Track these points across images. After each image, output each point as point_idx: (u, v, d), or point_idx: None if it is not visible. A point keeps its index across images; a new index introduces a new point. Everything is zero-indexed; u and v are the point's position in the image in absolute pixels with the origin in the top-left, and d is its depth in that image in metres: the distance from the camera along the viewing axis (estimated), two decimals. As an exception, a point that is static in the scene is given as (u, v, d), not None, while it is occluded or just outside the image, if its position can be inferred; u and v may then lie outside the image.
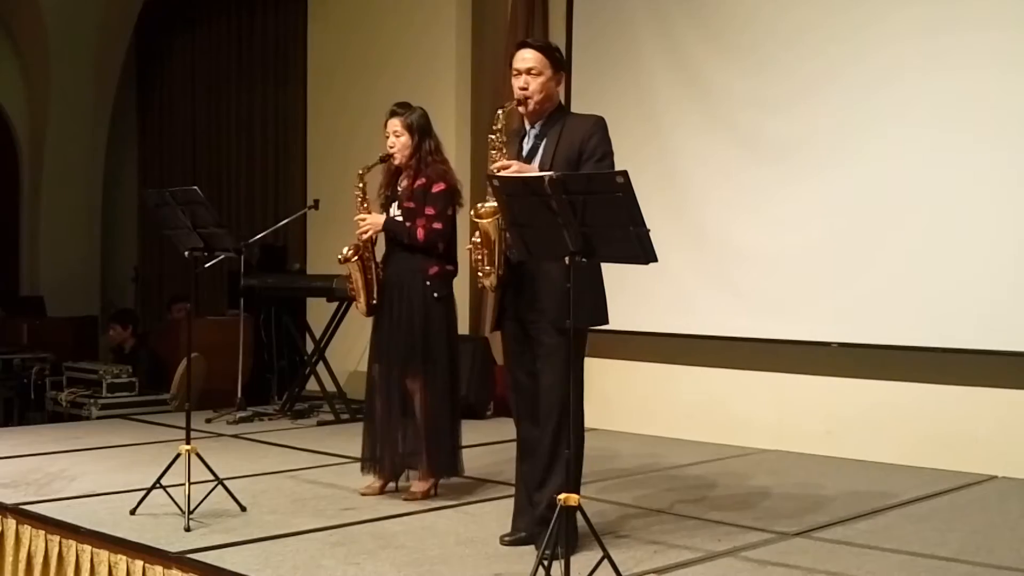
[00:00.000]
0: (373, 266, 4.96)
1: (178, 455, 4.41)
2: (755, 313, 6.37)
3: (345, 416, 7.34)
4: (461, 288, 5.05)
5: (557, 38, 7.11)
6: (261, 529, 4.21)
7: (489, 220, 3.85)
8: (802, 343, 6.23)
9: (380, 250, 5.02)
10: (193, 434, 4.55)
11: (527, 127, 4.10)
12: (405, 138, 4.86)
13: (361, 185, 4.95)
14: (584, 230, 3.23)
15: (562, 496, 3.30)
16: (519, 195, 3.35)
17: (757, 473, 5.59)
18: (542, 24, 7.61)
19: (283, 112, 10.38)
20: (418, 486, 4.81)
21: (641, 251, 3.21)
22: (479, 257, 3.92)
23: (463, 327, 6.52)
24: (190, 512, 4.21)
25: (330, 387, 7.56)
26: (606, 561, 3.33)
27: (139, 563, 3.92)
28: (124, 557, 3.98)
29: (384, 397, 4.87)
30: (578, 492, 3.40)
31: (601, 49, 7.17)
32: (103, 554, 4.07)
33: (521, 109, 4.04)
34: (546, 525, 3.42)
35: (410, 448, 4.85)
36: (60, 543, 4.26)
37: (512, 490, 4.24)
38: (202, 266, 4.98)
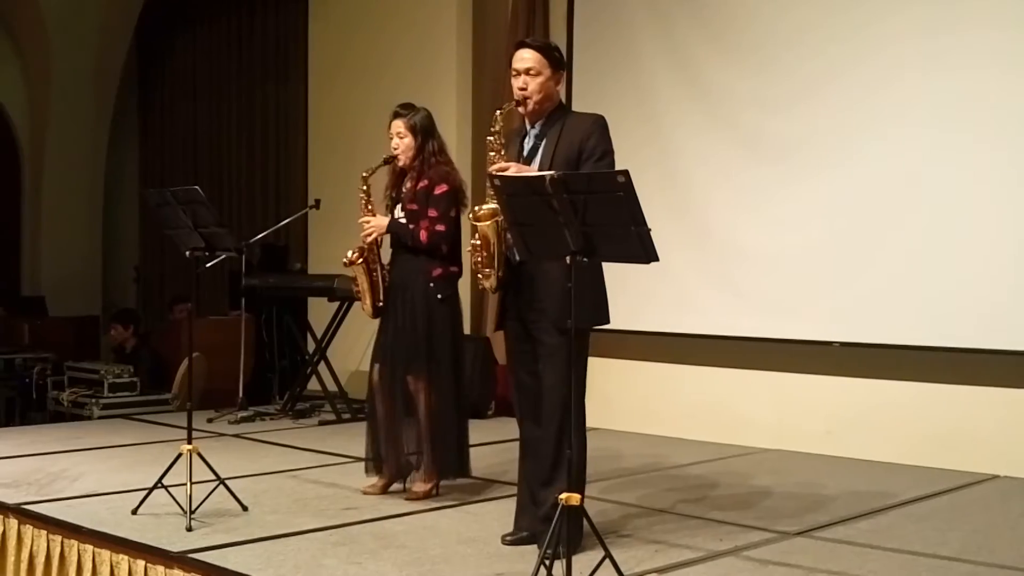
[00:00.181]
0: (379, 268, 4.97)
1: (179, 455, 4.41)
2: (756, 313, 6.37)
3: (346, 416, 7.35)
4: (463, 288, 5.05)
5: (558, 39, 7.08)
6: (263, 529, 4.21)
7: (487, 223, 3.86)
8: (803, 343, 6.23)
9: (387, 252, 5.03)
10: (195, 434, 4.56)
11: (527, 127, 4.10)
12: (408, 139, 4.86)
13: (365, 188, 4.96)
14: (585, 229, 3.24)
15: (564, 496, 3.30)
16: (520, 195, 3.36)
17: (758, 472, 5.59)
18: (543, 24, 7.61)
19: (284, 111, 10.38)
20: (419, 486, 4.81)
21: (642, 250, 3.21)
22: (479, 259, 3.93)
23: (465, 327, 6.52)
24: (192, 512, 4.22)
25: (331, 387, 7.56)
26: (608, 560, 3.34)
27: (141, 563, 3.92)
28: (126, 557, 3.98)
29: (387, 398, 4.87)
30: (581, 492, 3.40)
31: (602, 50, 7.17)
32: (105, 554, 4.07)
33: (520, 109, 4.04)
34: (549, 524, 3.42)
35: (413, 448, 4.85)
36: (62, 543, 4.26)
37: (514, 489, 4.24)
38: (203, 266, 4.99)
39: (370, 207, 4.97)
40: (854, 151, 6.04)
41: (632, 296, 5.98)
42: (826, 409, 6.20)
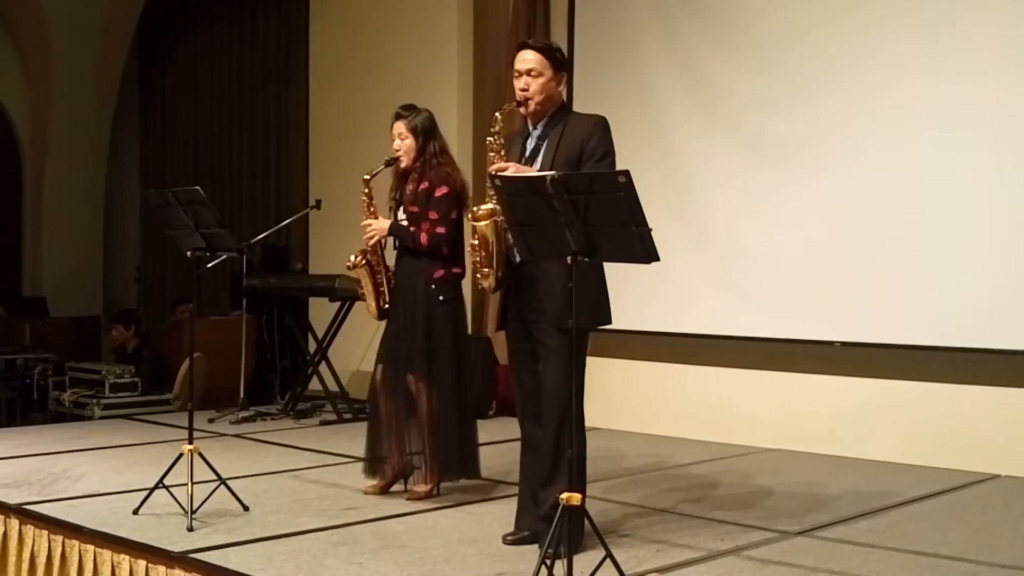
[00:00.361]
0: (383, 271, 4.98)
1: (181, 455, 4.41)
2: (758, 313, 6.37)
3: (348, 416, 7.35)
4: (465, 289, 5.06)
5: (559, 40, 7.08)
6: (264, 529, 4.21)
7: (486, 223, 3.86)
8: (805, 342, 6.23)
9: (391, 254, 5.04)
10: (196, 434, 4.56)
11: (529, 128, 4.11)
12: (410, 141, 4.86)
13: (367, 190, 4.96)
14: (586, 229, 3.24)
15: (565, 495, 3.30)
16: (521, 195, 3.36)
17: (760, 472, 5.59)
18: (543, 25, 7.61)
19: (285, 112, 10.39)
20: (420, 486, 4.81)
21: (643, 250, 3.21)
22: (477, 259, 3.94)
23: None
24: (193, 512, 4.22)
25: (332, 387, 7.57)
26: (609, 560, 3.34)
27: (142, 563, 3.93)
28: (127, 557, 3.99)
29: (390, 398, 4.87)
30: (582, 492, 3.40)
31: (603, 51, 7.17)
32: (106, 554, 4.07)
33: (522, 110, 4.05)
34: (550, 524, 3.43)
35: (415, 449, 4.85)
36: (63, 543, 4.26)
37: (515, 489, 4.24)
38: (204, 266, 4.99)
39: (372, 209, 4.98)
40: (855, 151, 6.04)
41: (633, 296, 5.99)
42: (827, 409, 6.20)
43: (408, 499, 4.77)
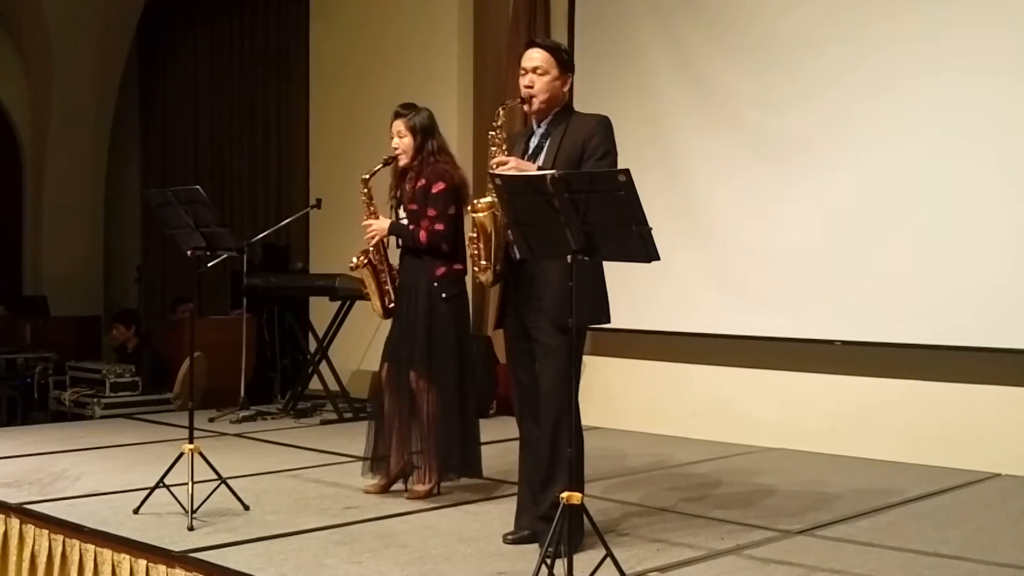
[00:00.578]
0: (386, 270, 4.99)
1: (181, 454, 4.42)
2: (759, 312, 6.37)
3: (348, 415, 7.35)
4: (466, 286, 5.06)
5: (559, 40, 7.09)
6: (264, 528, 4.21)
7: (485, 214, 3.86)
8: (806, 341, 6.23)
9: (395, 253, 5.04)
10: (196, 433, 4.56)
11: (533, 126, 4.12)
12: (408, 139, 4.87)
13: (366, 191, 4.96)
14: (586, 228, 3.24)
15: (565, 494, 3.30)
16: (521, 194, 3.36)
17: (761, 471, 5.59)
18: (543, 25, 7.61)
19: (285, 111, 10.39)
20: (420, 485, 4.81)
21: (643, 249, 3.21)
22: (475, 251, 3.94)
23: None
24: (193, 511, 4.22)
25: (333, 386, 7.57)
26: (609, 559, 3.34)
27: (142, 562, 3.92)
28: (127, 556, 3.98)
29: (394, 396, 4.87)
30: (581, 491, 3.40)
31: (603, 51, 7.16)
32: (106, 553, 4.07)
33: (526, 107, 4.06)
34: (549, 523, 3.43)
35: (416, 447, 4.85)
36: (63, 542, 4.26)
37: (515, 488, 4.24)
38: (205, 265, 4.98)
39: (372, 209, 4.98)
40: (855, 151, 6.04)
41: (635, 296, 6.00)
42: (829, 408, 6.20)
43: (408, 498, 4.77)
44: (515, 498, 4.20)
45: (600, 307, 3.97)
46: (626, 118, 6.05)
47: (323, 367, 7.62)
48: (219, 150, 11.32)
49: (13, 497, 4.72)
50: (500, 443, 5.47)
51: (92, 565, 4.12)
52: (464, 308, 4.95)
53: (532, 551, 3.77)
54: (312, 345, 8.02)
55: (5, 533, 4.55)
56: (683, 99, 6.82)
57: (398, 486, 4.91)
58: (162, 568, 3.84)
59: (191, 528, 4.15)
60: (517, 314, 4.02)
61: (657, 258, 3.22)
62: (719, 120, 6.64)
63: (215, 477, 4.48)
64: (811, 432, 6.18)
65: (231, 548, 3.91)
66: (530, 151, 4.05)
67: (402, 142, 4.87)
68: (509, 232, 3.66)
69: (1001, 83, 5.52)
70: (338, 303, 7.64)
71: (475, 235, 3.93)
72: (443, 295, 4.77)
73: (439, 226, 4.75)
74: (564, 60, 4.06)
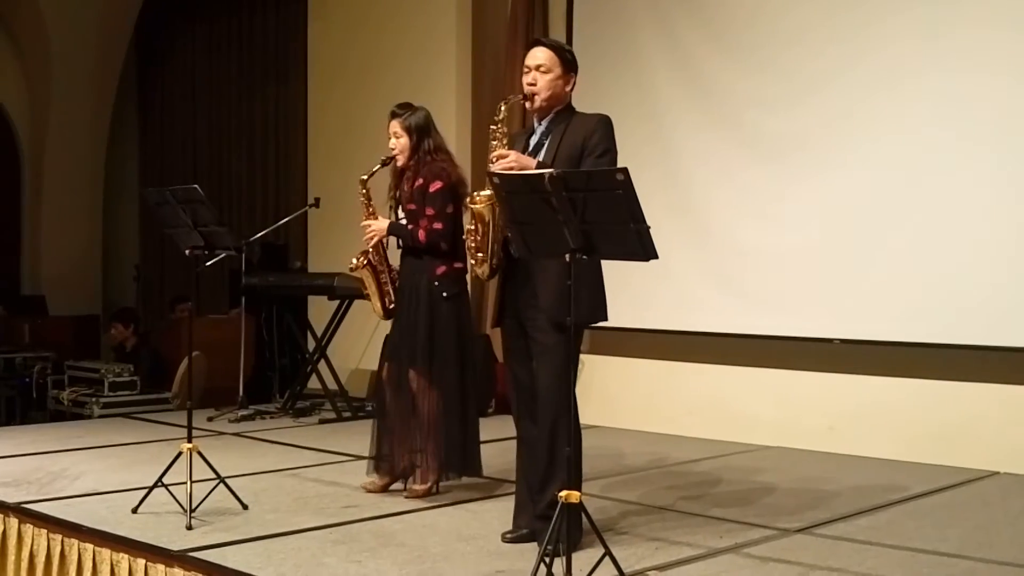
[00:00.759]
0: (386, 270, 4.99)
1: (179, 453, 4.41)
2: (757, 310, 6.38)
3: (347, 414, 7.35)
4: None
5: (557, 38, 7.10)
6: (262, 527, 4.21)
7: (484, 205, 3.87)
8: (804, 340, 6.24)
9: (395, 253, 5.03)
10: (195, 432, 4.56)
11: (535, 124, 4.13)
12: (405, 139, 4.87)
13: (365, 191, 4.96)
14: (584, 227, 3.24)
15: (563, 493, 3.30)
16: (519, 192, 3.36)
17: (759, 470, 5.59)
18: (542, 24, 7.61)
19: (284, 110, 10.39)
20: (419, 484, 4.81)
21: (641, 248, 3.22)
22: (472, 244, 3.95)
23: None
24: (192, 510, 4.22)
25: (332, 385, 7.57)
26: (608, 558, 3.34)
27: (141, 562, 3.92)
28: (126, 556, 3.98)
29: (394, 395, 4.87)
30: (579, 489, 3.40)
31: (602, 49, 7.16)
32: (105, 553, 4.07)
33: (528, 105, 4.08)
34: (546, 522, 3.43)
35: (417, 446, 4.85)
36: (62, 542, 4.26)
37: (513, 487, 4.24)
38: (203, 264, 4.98)
39: (371, 210, 4.98)
40: (854, 150, 6.04)
41: (633, 294, 6.00)
42: (827, 406, 6.20)
43: (407, 497, 4.77)
44: (514, 497, 4.19)
45: (598, 305, 3.97)
46: (624, 117, 6.02)
47: (322, 366, 7.62)
48: (217, 149, 11.31)
49: (12, 496, 4.71)
50: (498, 442, 5.47)
51: (91, 564, 4.12)
52: (465, 307, 4.94)
53: (531, 550, 3.77)
54: (311, 344, 8.02)
55: (3, 532, 4.55)
56: (681, 98, 6.82)
57: (397, 485, 4.91)
58: (161, 567, 3.84)
59: (190, 527, 4.15)
60: (515, 312, 4.02)
61: (655, 257, 3.22)
62: (718, 119, 6.64)
63: (214, 476, 4.48)
64: (810, 430, 6.19)
65: (230, 547, 3.91)
66: (530, 148, 4.06)
67: (399, 142, 4.88)
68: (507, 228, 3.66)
69: (1000, 82, 5.52)
70: (337, 302, 7.64)
71: (473, 227, 3.94)
72: (444, 294, 4.77)
73: (437, 225, 4.75)
74: (568, 60, 4.08)
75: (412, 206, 4.81)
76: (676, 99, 6.85)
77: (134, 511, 4.39)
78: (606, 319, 4.01)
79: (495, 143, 3.99)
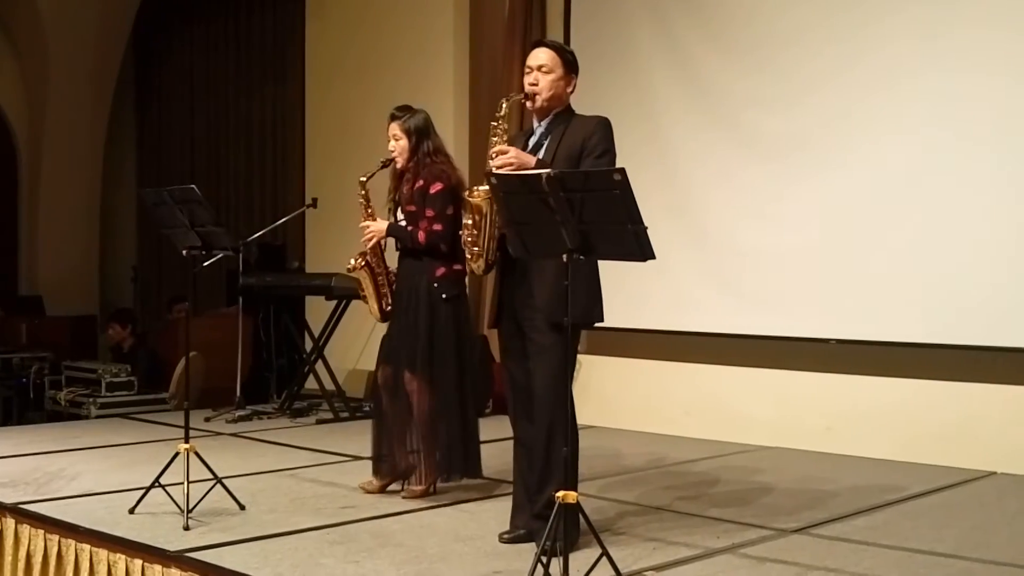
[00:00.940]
0: (384, 272, 4.98)
1: (177, 454, 4.41)
2: (755, 310, 6.38)
3: (344, 415, 7.35)
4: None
5: (555, 38, 7.11)
6: (260, 528, 4.21)
7: (481, 198, 3.87)
8: (801, 340, 6.24)
9: (392, 255, 5.03)
10: (192, 433, 4.55)
11: (534, 124, 4.14)
12: (404, 141, 4.87)
13: (364, 192, 4.96)
14: (582, 227, 3.24)
15: (560, 494, 3.30)
16: (517, 193, 3.36)
17: (757, 470, 5.60)
18: (540, 24, 7.61)
19: (281, 111, 10.38)
20: (417, 485, 4.81)
21: (638, 248, 3.22)
22: (469, 239, 3.95)
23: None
24: (189, 511, 4.21)
25: (329, 386, 7.57)
26: (605, 558, 3.34)
27: (138, 562, 3.92)
28: (123, 556, 3.98)
29: (392, 398, 4.87)
30: (576, 490, 3.40)
31: (599, 49, 7.15)
32: (102, 553, 4.07)
33: (529, 104, 4.09)
34: (544, 522, 3.43)
35: (414, 447, 4.85)
36: (59, 542, 4.26)
37: (511, 488, 4.24)
38: (200, 265, 4.98)
39: (369, 211, 4.98)
40: (852, 150, 6.05)
41: (631, 294, 6.00)
42: (824, 406, 6.20)
43: (404, 497, 4.77)
44: (511, 497, 4.19)
45: (594, 306, 3.97)
46: (622, 117, 6.01)
47: (319, 366, 7.62)
48: (215, 149, 11.31)
49: (9, 497, 4.71)
50: (496, 442, 5.46)
51: (88, 565, 4.11)
52: (464, 309, 4.95)
53: (528, 550, 3.77)
54: (308, 344, 8.02)
55: (1, 533, 4.55)
56: (679, 98, 6.83)
57: (395, 485, 4.91)
58: (158, 568, 3.84)
59: (187, 528, 4.15)
60: (512, 312, 4.02)
61: (653, 257, 3.22)
62: (715, 119, 6.64)
63: (211, 477, 4.48)
64: (807, 431, 6.19)
65: (227, 548, 3.91)
66: (529, 149, 4.07)
67: (398, 144, 4.88)
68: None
69: (999, 82, 5.52)
70: (334, 302, 7.64)
71: (470, 221, 3.95)
72: (443, 296, 4.77)
73: (437, 226, 4.75)
74: (569, 61, 4.10)
75: (412, 207, 4.81)
76: (674, 99, 6.85)
77: (131, 511, 4.39)
78: (602, 320, 4.02)
79: (495, 139, 3.99)
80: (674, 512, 4.59)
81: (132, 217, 12.33)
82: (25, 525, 4.44)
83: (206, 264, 5.18)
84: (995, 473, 5.46)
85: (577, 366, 4.07)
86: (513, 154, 3.87)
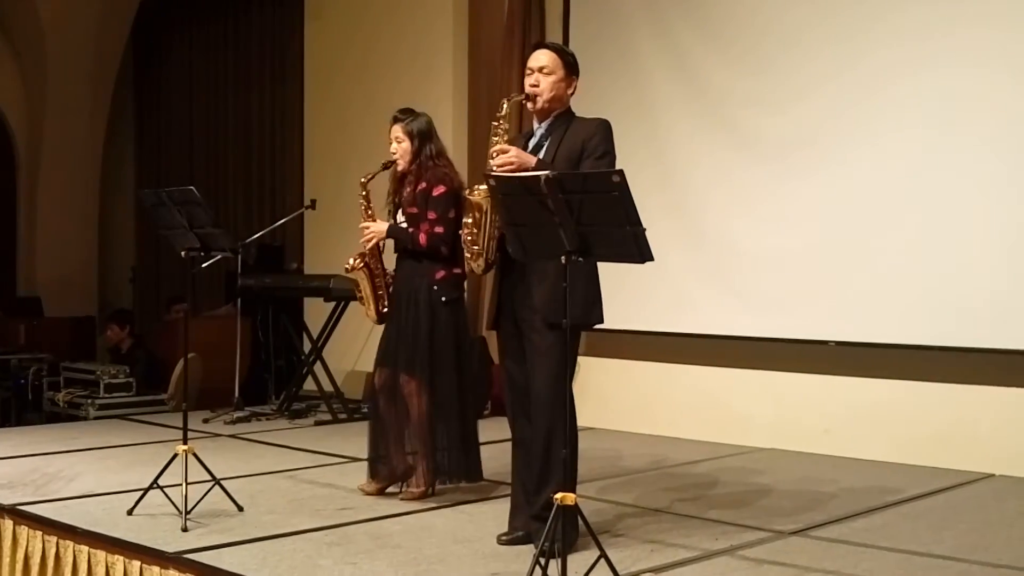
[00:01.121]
0: (381, 273, 4.98)
1: (175, 455, 4.41)
2: (753, 312, 6.38)
3: (343, 416, 7.35)
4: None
5: (554, 39, 7.11)
6: (258, 529, 4.21)
7: (482, 196, 3.87)
8: (800, 342, 6.24)
9: (390, 257, 5.03)
10: (190, 434, 4.54)
11: (534, 126, 4.15)
12: (406, 144, 4.87)
13: (364, 193, 4.96)
14: (580, 229, 3.24)
15: (559, 495, 3.30)
16: (515, 194, 3.36)
17: (755, 471, 5.60)
18: (539, 25, 7.60)
19: (280, 111, 10.38)
20: (415, 487, 4.81)
21: (637, 250, 3.22)
22: (469, 238, 3.96)
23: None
24: (187, 512, 4.21)
25: (327, 387, 7.57)
26: (603, 560, 3.33)
27: (136, 563, 3.92)
28: (121, 557, 3.98)
29: (389, 401, 4.87)
30: (574, 491, 3.40)
31: (598, 50, 7.15)
32: (100, 554, 4.07)
33: (529, 105, 4.10)
34: (543, 523, 3.43)
35: (412, 449, 4.85)
36: (57, 543, 4.25)
37: (509, 489, 4.23)
38: (199, 266, 4.98)
39: (370, 212, 4.98)
40: (851, 151, 6.04)
41: (629, 296, 6.00)
42: (823, 408, 6.21)
43: (403, 499, 4.77)
44: (509, 499, 4.19)
45: (593, 307, 3.97)
46: (621, 118, 6.00)
47: (317, 368, 7.61)
48: (214, 150, 11.31)
49: (7, 498, 4.71)
50: (494, 444, 5.46)
51: (86, 566, 4.11)
52: (463, 312, 4.95)
53: (527, 552, 3.77)
54: (307, 346, 8.02)
55: (-1, 534, 4.55)
56: (678, 99, 6.83)
57: (393, 487, 4.90)
58: (156, 569, 3.84)
59: (185, 529, 4.14)
60: (511, 312, 4.03)
61: (651, 259, 3.23)
62: (714, 120, 6.64)
63: (209, 478, 4.48)
64: (805, 432, 6.19)
65: (225, 549, 3.91)
66: (529, 150, 4.07)
67: (400, 147, 4.88)
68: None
69: (999, 82, 5.51)
70: (333, 304, 7.63)
71: (470, 220, 3.95)
72: (443, 299, 4.77)
73: (439, 229, 4.75)
74: (570, 63, 4.11)
75: (414, 209, 4.81)
76: (673, 100, 6.85)
77: (129, 513, 4.39)
78: (601, 321, 4.02)
79: (496, 139, 4.00)
80: (673, 514, 4.59)
81: (131, 218, 12.32)
82: (23, 526, 4.44)
83: (205, 265, 5.17)
84: (993, 475, 5.46)
85: (576, 367, 4.06)
86: (514, 154, 3.87)
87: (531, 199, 3.27)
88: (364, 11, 8.75)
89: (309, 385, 7.75)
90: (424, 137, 4.87)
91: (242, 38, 11.00)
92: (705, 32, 6.72)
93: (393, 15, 8.48)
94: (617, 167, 3.37)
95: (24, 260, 11.55)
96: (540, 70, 4.04)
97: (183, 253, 4.60)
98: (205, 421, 7.16)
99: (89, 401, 7.83)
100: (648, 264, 3.27)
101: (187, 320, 5.33)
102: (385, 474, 4.91)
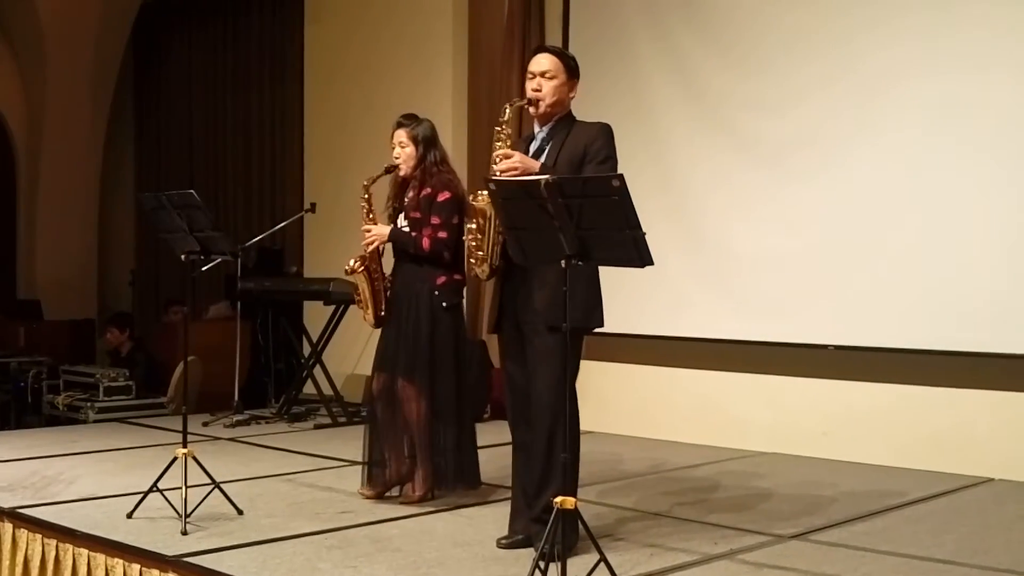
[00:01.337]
0: (381, 277, 4.98)
1: (175, 458, 4.41)
2: (752, 316, 6.38)
3: (342, 419, 7.35)
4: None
5: (554, 41, 7.11)
6: (258, 532, 4.21)
7: (486, 202, 3.87)
8: (799, 346, 6.24)
9: (389, 260, 5.03)
10: (190, 437, 4.54)
11: (535, 130, 4.15)
12: (410, 149, 4.87)
13: (366, 196, 4.96)
14: (580, 233, 3.24)
15: (558, 499, 3.30)
16: (515, 198, 3.36)
17: (755, 475, 5.60)
18: (538, 28, 7.61)
19: (280, 114, 10.37)
20: (414, 491, 4.80)
21: (636, 254, 3.22)
22: (473, 244, 3.96)
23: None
24: (187, 516, 4.21)
25: (327, 390, 7.56)
26: (603, 564, 3.34)
27: (136, 567, 3.92)
28: (121, 561, 3.98)
29: (388, 406, 4.86)
30: (575, 495, 3.40)
31: (598, 53, 7.15)
32: (100, 558, 4.06)
33: (531, 110, 4.10)
34: (541, 526, 3.43)
35: (411, 454, 4.84)
36: (57, 547, 4.25)
37: (509, 493, 4.23)
38: (199, 269, 4.98)
39: (371, 215, 4.98)
40: (850, 154, 6.05)
41: (629, 300, 5.99)
42: (822, 412, 6.20)
43: (402, 503, 4.77)
44: (509, 503, 4.19)
45: (594, 310, 3.98)
46: (620, 121, 5.98)
47: (317, 371, 7.61)
48: (214, 153, 11.30)
49: (7, 501, 4.71)
50: (494, 448, 5.47)
51: (85, 570, 4.11)
52: (462, 318, 4.95)
53: (526, 555, 3.77)
54: (306, 349, 8.01)
55: (-2, 537, 4.55)
56: (677, 102, 6.83)
57: (393, 491, 4.90)
58: (155, 573, 3.84)
59: (185, 532, 4.14)
60: (512, 315, 4.03)
61: (651, 263, 3.23)
62: (713, 123, 6.64)
63: (209, 481, 4.47)
64: (805, 436, 6.19)
65: (225, 552, 3.91)
66: (531, 154, 4.08)
67: (404, 152, 4.87)
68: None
69: (1000, 86, 5.52)
70: (332, 307, 7.63)
71: (474, 225, 3.95)
72: (444, 304, 4.77)
73: (442, 234, 4.74)
74: (571, 66, 4.12)
75: (416, 214, 4.80)
76: (672, 103, 6.85)
77: (129, 516, 4.38)
78: (602, 324, 4.02)
79: (499, 144, 4.00)
80: (672, 517, 4.59)
81: (130, 221, 12.31)
82: (23, 529, 4.44)
83: (204, 269, 5.17)
84: (993, 479, 5.46)
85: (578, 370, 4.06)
86: (517, 159, 3.87)
87: (531, 203, 3.28)
88: (364, 14, 8.75)
89: (309, 388, 7.75)
90: (428, 143, 4.88)
91: (242, 39, 11.00)
92: (705, 35, 6.73)
93: (393, 17, 8.49)
94: (617, 172, 3.37)
95: (24, 263, 11.55)
96: (542, 74, 4.04)
97: (183, 257, 4.60)
98: (205, 424, 7.16)
99: (89, 404, 7.83)
100: (647, 268, 3.27)
101: (187, 323, 5.33)
102: (382, 479, 4.91)
